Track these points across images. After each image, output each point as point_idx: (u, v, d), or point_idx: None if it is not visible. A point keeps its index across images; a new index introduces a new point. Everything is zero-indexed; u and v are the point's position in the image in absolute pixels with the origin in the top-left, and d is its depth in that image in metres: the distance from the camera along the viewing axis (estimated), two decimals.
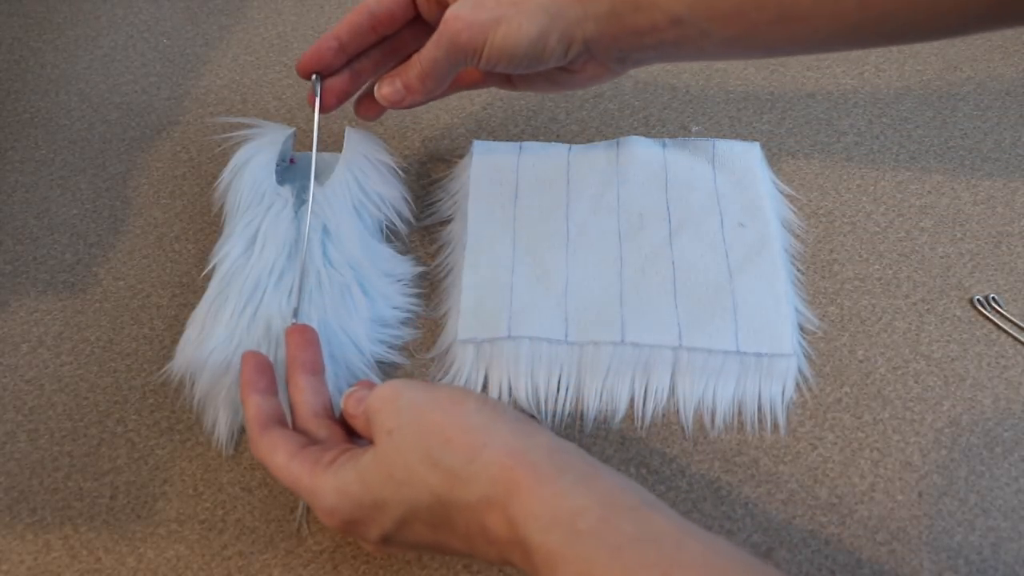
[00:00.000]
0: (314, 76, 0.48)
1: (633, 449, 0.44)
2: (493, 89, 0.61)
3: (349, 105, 0.61)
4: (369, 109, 0.51)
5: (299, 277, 0.46)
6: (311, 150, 0.49)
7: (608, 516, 0.30)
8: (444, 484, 0.33)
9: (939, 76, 0.62)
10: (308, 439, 0.38)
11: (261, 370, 0.40)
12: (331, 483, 0.35)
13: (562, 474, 0.32)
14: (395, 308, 0.49)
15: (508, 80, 0.50)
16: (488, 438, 0.33)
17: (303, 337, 0.42)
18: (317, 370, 0.41)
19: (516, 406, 0.45)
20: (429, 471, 0.33)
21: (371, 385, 0.39)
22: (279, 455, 0.37)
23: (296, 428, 0.40)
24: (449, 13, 0.43)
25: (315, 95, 0.48)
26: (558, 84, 0.48)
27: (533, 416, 0.45)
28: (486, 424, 0.34)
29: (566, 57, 0.45)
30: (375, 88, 0.47)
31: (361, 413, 0.37)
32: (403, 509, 0.34)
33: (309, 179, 0.48)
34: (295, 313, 0.44)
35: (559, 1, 0.43)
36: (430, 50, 0.44)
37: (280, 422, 0.39)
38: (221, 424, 0.44)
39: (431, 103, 0.61)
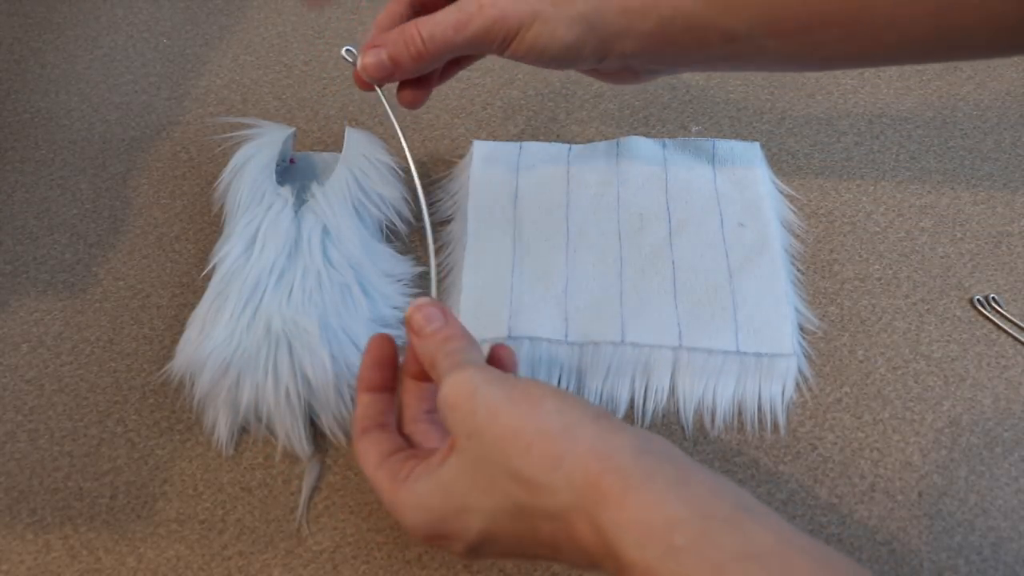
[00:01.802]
0: (344, 50, 0.45)
1: None
2: (493, 89, 0.61)
3: (350, 105, 0.61)
4: (414, 97, 0.46)
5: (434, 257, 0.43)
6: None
7: (706, 529, 0.28)
8: (526, 493, 0.31)
9: (939, 76, 0.62)
10: (402, 443, 0.37)
11: (380, 364, 0.38)
12: (409, 499, 0.34)
13: (651, 480, 0.30)
14: (395, 308, 0.49)
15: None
16: (570, 443, 0.31)
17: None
18: (427, 375, 0.38)
19: None
20: (510, 480, 0.31)
21: (437, 307, 0.37)
22: (369, 462, 0.36)
23: (401, 431, 0.39)
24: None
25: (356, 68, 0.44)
26: (579, 71, 0.46)
27: None
28: (567, 426, 0.31)
29: (597, 65, 0.42)
30: (359, 58, 0.43)
31: (430, 412, 0.36)
32: (486, 517, 0.32)
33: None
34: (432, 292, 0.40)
35: (603, 12, 0.39)
36: (446, 31, 0.40)
37: (380, 425, 0.38)
38: (221, 424, 0.44)
39: (431, 103, 0.61)
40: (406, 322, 0.37)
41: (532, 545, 0.32)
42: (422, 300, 0.37)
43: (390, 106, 0.45)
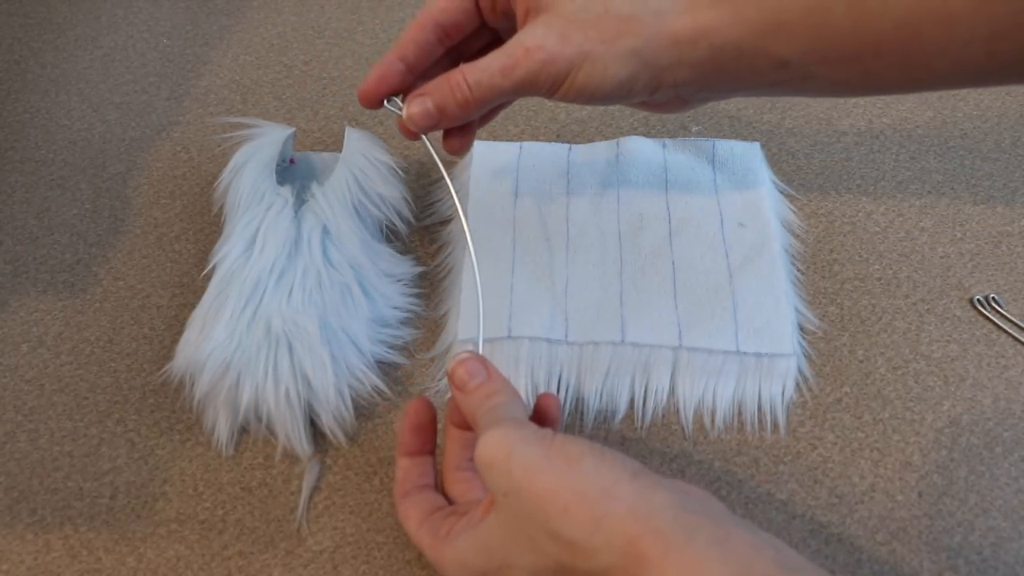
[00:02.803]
0: (387, 100, 0.43)
1: (633, 449, 0.44)
2: None
3: (349, 105, 0.61)
4: (460, 144, 0.45)
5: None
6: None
7: None
8: (567, 554, 0.31)
9: None
10: (443, 501, 0.38)
11: (418, 429, 0.39)
12: (453, 555, 0.34)
13: (691, 539, 0.29)
14: (395, 308, 0.49)
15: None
16: (609, 504, 0.30)
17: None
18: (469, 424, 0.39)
19: None
20: (549, 541, 0.31)
21: (479, 360, 0.37)
22: (411, 523, 0.37)
23: (443, 480, 0.40)
24: (529, 41, 0.38)
25: (401, 117, 0.43)
26: (627, 104, 0.44)
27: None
28: (605, 487, 0.31)
29: (648, 98, 0.41)
30: (404, 108, 0.42)
31: (473, 461, 0.35)
32: (529, 574, 0.32)
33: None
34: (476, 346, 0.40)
35: (653, 45, 0.38)
36: (494, 77, 0.39)
37: (420, 487, 0.39)
38: (221, 424, 0.44)
39: None
40: (449, 376, 0.38)
41: None
42: (465, 354, 0.38)
43: (436, 153, 0.44)
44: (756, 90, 0.41)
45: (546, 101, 0.60)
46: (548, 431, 0.34)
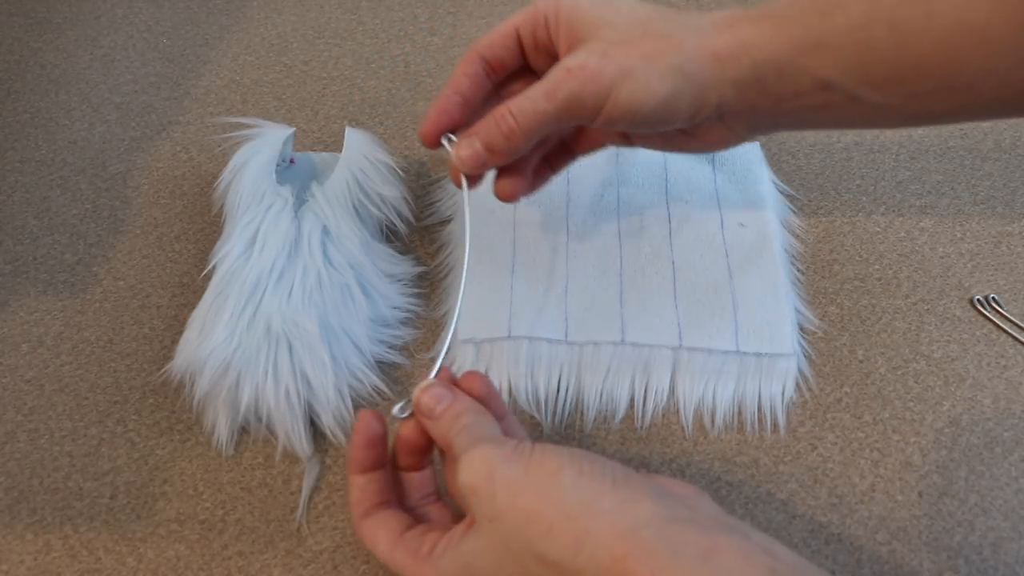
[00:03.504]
0: (444, 138, 0.42)
1: (633, 449, 0.44)
2: None
3: (349, 105, 0.61)
4: (512, 187, 0.44)
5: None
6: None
7: None
8: (552, 574, 0.31)
9: None
10: (410, 519, 0.37)
11: (370, 444, 0.38)
12: (434, 573, 0.34)
13: (677, 556, 0.29)
14: (395, 308, 0.49)
15: (614, 134, 0.45)
16: (590, 520, 0.30)
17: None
18: (419, 464, 0.39)
19: (516, 406, 0.46)
20: (536, 563, 0.31)
21: (441, 385, 0.37)
22: (380, 544, 0.36)
23: (406, 505, 0.39)
24: (571, 62, 0.38)
25: (453, 157, 0.43)
26: (675, 145, 0.44)
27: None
28: (586, 502, 0.31)
29: (693, 120, 0.40)
30: (453, 151, 0.42)
31: (455, 485, 0.35)
32: None
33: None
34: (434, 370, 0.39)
35: (694, 61, 0.38)
36: (537, 102, 0.39)
37: (380, 504, 0.38)
38: (221, 424, 0.44)
39: (431, 101, 0.61)
40: (415, 407, 0.37)
41: None
42: (425, 382, 0.37)
43: (468, 206, 0.43)
44: (801, 115, 0.40)
45: None
46: (526, 444, 0.33)
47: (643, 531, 0.30)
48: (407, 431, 0.38)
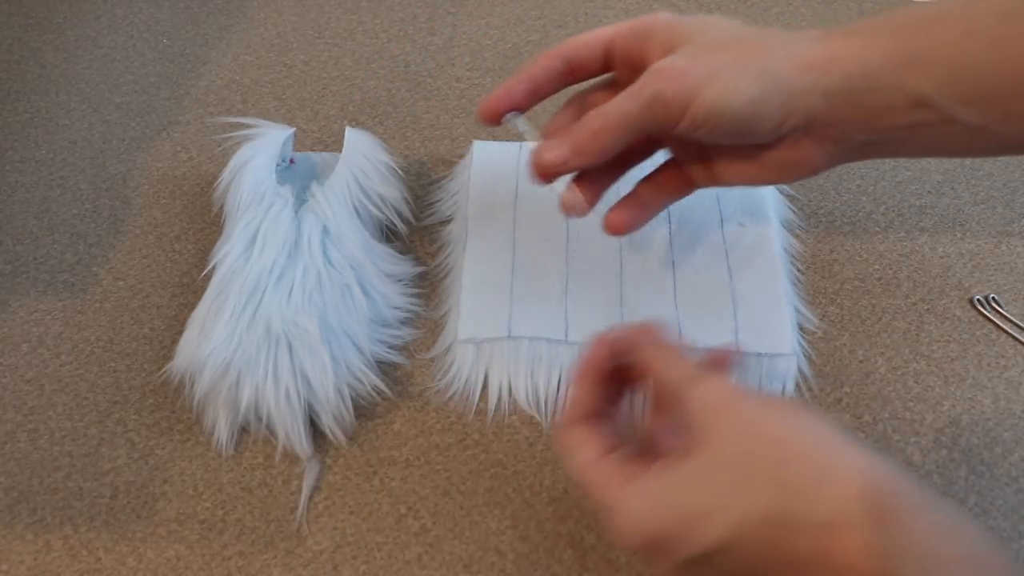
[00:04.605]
0: (508, 115, 0.43)
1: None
2: (492, 88, 0.61)
3: (349, 105, 0.61)
4: (623, 218, 0.44)
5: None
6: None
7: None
8: (790, 500, 0.29)
9: None
10: (620, 442, 0.35)
11: (617, 354, 0.36)
12: (640, 498, 0.31)
13: (933, 508, 0.28)
14: (395, 308, 0.49)
15: (699, 157, 0.43)
16: (845, 456, 0.29)
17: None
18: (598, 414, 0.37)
19: (516, 406, 0.46)
20: (770, 486, 0.29)
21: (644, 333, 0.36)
22: (580, 455, 0.34)
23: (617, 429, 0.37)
24: (658, 64, 0.38)
25: (524, 134, 0.43)
26: (762, 167, 0.41)
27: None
28: (838, 443, 0.30)
29: (779, 131, 0.39)
30: (532, 155, 0.41)
31: (682, 411, 0.33)
32: (732, 523, 0.30)
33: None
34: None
35: (784, 67, 0.37)
36: (623, 102, 0.38)
37: (601, 415, 0.36)
38: (221, 424, 0.44)
39: (431, 102, 0.61)
40: (631, 335, 0.36)
41: (768, 562, 0.30)
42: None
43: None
44: (893, 135, 0.38)
45: (546, 101, 0.60)
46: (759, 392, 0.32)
47: (900, 479, 0.29)
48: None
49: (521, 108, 0.43)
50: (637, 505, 0.31)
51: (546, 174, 0.41)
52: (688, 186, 0.45)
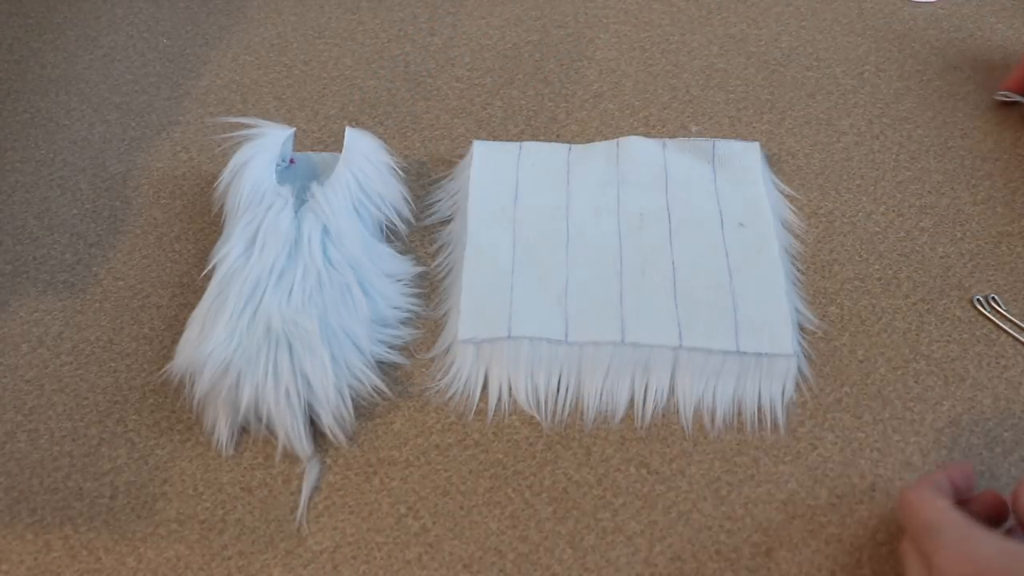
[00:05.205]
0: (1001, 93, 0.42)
1: (633, 449, 0.44)
2: (493, 89, 0.61)
3: (349, 105, 0.61)
4: None
5: None
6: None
7: None
8: None
9: (939, 76, 0.62)
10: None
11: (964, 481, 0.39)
12: (1000, 542, 0.34)
13: None
14: (395, 308, 0.49)
15: None
16: None
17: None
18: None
19: (516, 406, 0.46)
20: None
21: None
22: (938, 501, 0.36)
23: None
24: None
25: None
26: None
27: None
28: None
29: None
30: None
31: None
32: None
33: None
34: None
35: None
36: None
37: (953, 495, 0.38)
38: (221, 424, 0.44)
39: (431, 102, 0.61)
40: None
41: None
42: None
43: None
44: None
45: (546, 101, 0.60)
46: None
47: None
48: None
49: None
50: (990, 545, 0.34)
51: None
52: None
